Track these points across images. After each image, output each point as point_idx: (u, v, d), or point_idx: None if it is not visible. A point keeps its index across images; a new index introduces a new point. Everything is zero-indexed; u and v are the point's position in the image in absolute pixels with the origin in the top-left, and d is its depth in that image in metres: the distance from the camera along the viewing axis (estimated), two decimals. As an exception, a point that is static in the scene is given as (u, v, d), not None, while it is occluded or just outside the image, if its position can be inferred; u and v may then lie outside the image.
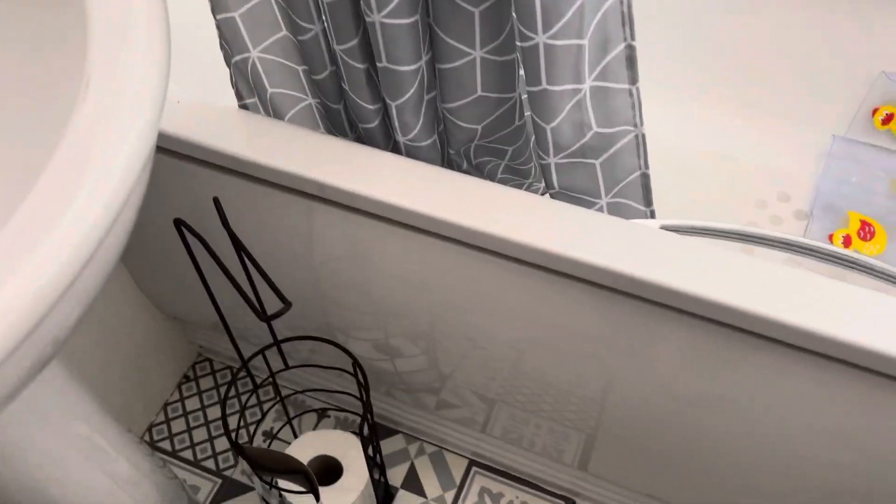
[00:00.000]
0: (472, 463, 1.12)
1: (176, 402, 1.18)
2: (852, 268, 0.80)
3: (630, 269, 0.66)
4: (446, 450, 1.13)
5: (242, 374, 1.16)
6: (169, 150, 0.79)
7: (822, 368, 0.64)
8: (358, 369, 0.87)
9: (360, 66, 0.71)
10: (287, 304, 0.66)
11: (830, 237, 1.10)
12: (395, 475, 1.11)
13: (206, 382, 1.20)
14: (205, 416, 1.17)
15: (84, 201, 0.38)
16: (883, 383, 0.63)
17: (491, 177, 0.90)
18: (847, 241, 1.09)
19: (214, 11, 0.74)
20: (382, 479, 1.07)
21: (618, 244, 0.68)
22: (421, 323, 0.89)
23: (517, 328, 0.82)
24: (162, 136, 0.77)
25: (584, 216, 0.71)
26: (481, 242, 0.71)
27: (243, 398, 1.17)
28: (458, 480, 1.11)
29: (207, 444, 1.14)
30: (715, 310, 0.65)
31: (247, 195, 0.82)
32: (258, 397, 1.18)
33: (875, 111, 1.18)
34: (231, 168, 0.79)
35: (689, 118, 1.22)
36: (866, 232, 1.08)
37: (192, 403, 1.18)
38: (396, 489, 1.10)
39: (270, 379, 0.95)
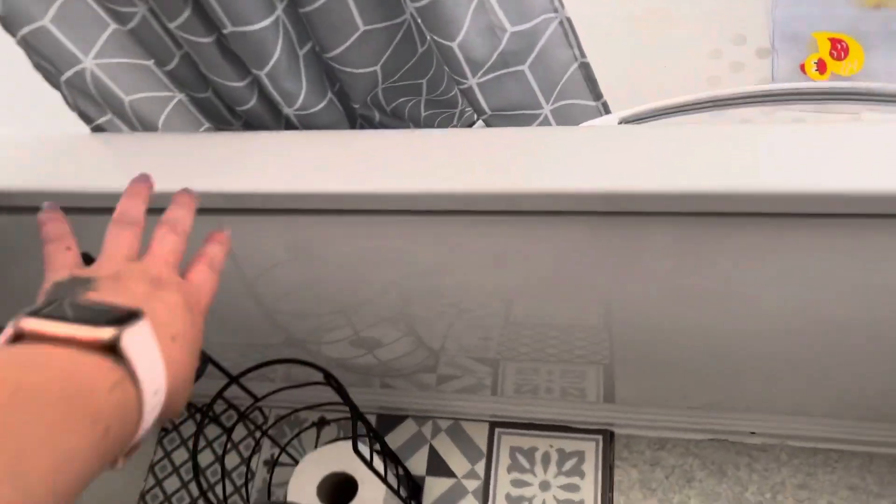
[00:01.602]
0: (493, 426, 1.02)
1: (161, 459, 1.07)
2: (832, 99, 0.72)
3: (600, 187, 0.54)
4: (462, 420, 1.04)
5: (224, 415, 1.04)
6: (24, 208, 0.65)
7: (817, 226, 0.57)
8: (331, 380, 0.76)
9: (206, 39, 0.57)
10: (203, 362, 0.54)
11: (802, 67, 0.98)
12: (417, 464, 1.02)
13: (187, 429, 1.09)
14: (197, 465, 1.06)
15: None
16: (875, 224, 0.56)
17: (415, 118, 0.77)
18: (822, 66, 0.97)
19: (12, 28, 0.59)
20: (403, 473, 0.97)
21: (578, 160, 0.56)
22: (390, 304, 0.79)
23: (494, 278, 0.72)
24: (9, 195, 0.63)
25: (531, 137, 0.59)
26: (420, 206, 0.59)
27: (234, 435, 1.06)
28: (484, 448, 1.01)
29: (210, 494, 1.03)
30: (698, 201, 0.55)
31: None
32: (248, 427, 1.07)
33: (811, -86, 1.04)
34: (106, 207, 0.66)
35: (614, -17, 1.08)
36: (839, 50, 0.96)
37: (179, 456, 1.07)
38: (422, 478, 1.00)
39: (243, 415, 0.84)
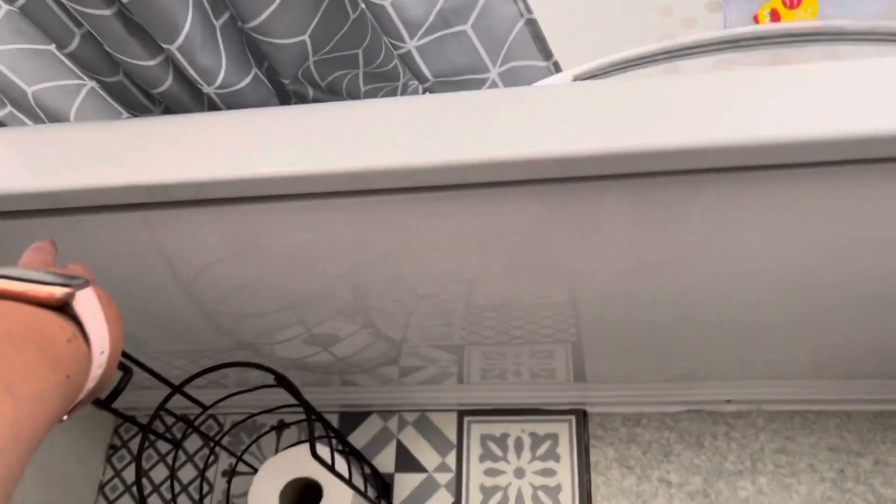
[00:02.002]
0: (461, 415, 0.98)
1: (111, 479, 1.00)
2: (789, 42, 0.69)
3: (558, 151, 0.49)
4: (429, 411, 0.99)
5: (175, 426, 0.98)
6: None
7: (783, 179, 0.53)
8: (283, 381, 0.70)
9: (105, 11, 0.51)
10: (126, 372, 0.48)
11: (755, 18, 0.94)
12: (385, 461, 0.97)
13: (137, 445, 1.02)
14: (151, 481, 0.99)
15: None
16: (845, 172, 0.52)
17: (353, 93, 0.71)
18: (775, 16, 0.93)
19: None
20: (370, 472, 0.92)
21: (532, 123, 0.51)
22: (343, 297, 0.74)
23: (451, 260, 0.67)
24: None
25: (480, 101, 0.54)
26: (363, 185, 0.54)
27: (189, 449, 1.00)
28: (454, 439, 0.97)
29: (166, 512, 0.97)
30: (665, 159, 0.50)
31: (58, 234, 0.62)
32: (203, 438, 1.00)
33: None
34: (16, 210, 0.59)
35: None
36: (792, -2, 0.93)
37: (130, 474, 1.00)
38: (391, 476, 0.95)
39: (193, 426, 0.78)
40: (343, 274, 0.69)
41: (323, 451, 0.77)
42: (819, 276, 0.66)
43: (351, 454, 0.88)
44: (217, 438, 0.83)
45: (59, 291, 0.37)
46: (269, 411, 0.87)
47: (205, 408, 0.76)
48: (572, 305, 0.74)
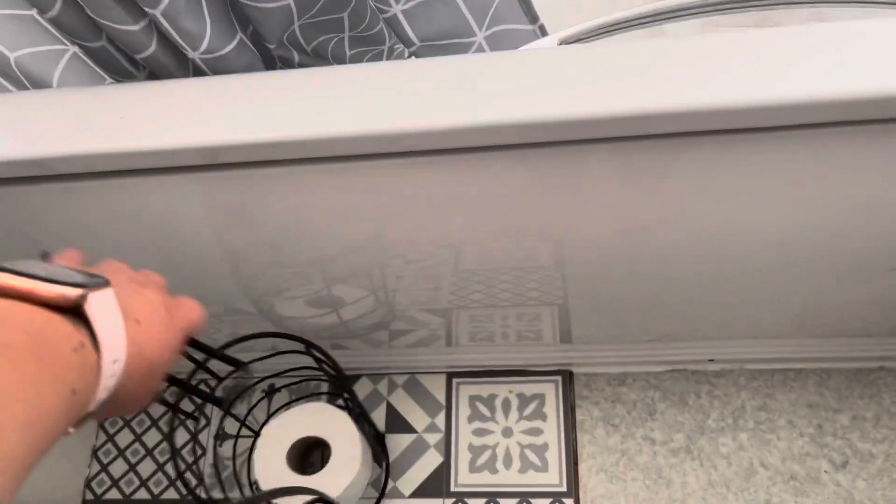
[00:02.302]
0: (450, 376, 0.99)
1: (105, 444, 1.01)
2: (775, 5, 0.70)
3: (543, 115, 0.49)
4: (418, 373, 1.00)
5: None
6: None
7: (765, 141, 0.53)
8: (312, 349, 0.71)
9: (87, -24, 0.50)
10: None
11: (741, -19, 0.94)
12: (375, 422, 0.98)
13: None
14: (144, 446, 1.00)
15: None
16: (826, 134, 0.52)
17: (339, 58, 0.71)
18: (761, -21, 0.93)
19: None
20: (371, 430, 0.94)
21: (517, 87, 0.51)
22: (335, 264, 0.74)
23: (439, 224, 0.68)
24: None
25: (465, 66, 0.54)
26: (351, 150, 0.54)
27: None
28: (442, 400, 0.98)
29: (160, 475, 0.99)
30: (647, 123, 0.51)
31: (41, 202, 0.62)
32: (194, 402, 1.02)
33: None
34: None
35: None
36: (778, -41, 0.92)
37: (123, 438, 1.01)
38: (382, 435, 0.97)
39: (205, 402, 0.79)
40: (333, 240, 0.70)
41: (340, 411, 0.78)
42: (801, 238, 0.67)
43: (363, 417, 0.90)
44: (230, 400, 0.85)
45: (71, 293, 0.33)
46: (289, 372, 0.88)
47: (238, 366, 0.78)
48: (558, 268, 0.75)
